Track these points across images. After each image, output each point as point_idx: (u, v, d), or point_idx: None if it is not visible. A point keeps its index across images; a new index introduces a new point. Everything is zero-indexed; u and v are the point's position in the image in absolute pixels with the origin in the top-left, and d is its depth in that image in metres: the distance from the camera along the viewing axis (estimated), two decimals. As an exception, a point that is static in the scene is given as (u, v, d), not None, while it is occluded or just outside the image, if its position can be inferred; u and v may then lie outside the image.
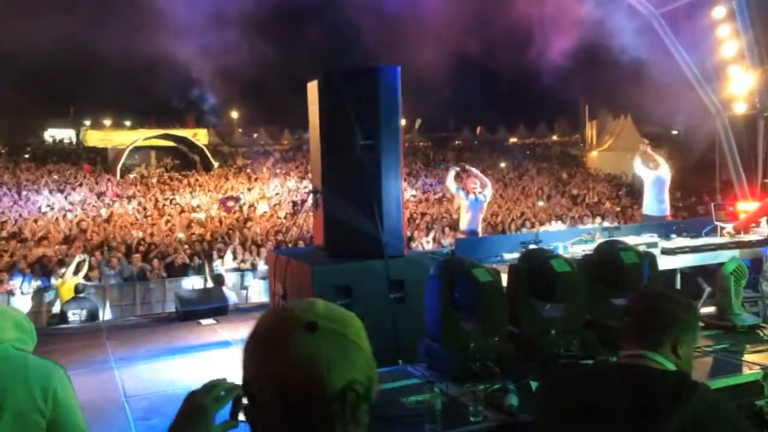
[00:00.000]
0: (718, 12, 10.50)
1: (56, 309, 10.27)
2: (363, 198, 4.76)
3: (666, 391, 1.75)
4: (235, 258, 12.91)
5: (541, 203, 20.54)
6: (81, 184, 25.42)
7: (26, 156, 36.44)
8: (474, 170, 10.83)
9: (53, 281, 10.88)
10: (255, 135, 49.70)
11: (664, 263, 6.72)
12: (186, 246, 13.55)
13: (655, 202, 9.98)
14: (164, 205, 20.92)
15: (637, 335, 1.98)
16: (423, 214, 17.50)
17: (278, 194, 23.44)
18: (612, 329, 3.49)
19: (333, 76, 4.86)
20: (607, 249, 3.67)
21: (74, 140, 47.01)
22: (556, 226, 15.43)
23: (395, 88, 4.89)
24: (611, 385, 1.86)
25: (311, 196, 5.31)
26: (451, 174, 10.47)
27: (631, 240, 6.88)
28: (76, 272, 10.70)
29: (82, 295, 10.62)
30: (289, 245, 12.75)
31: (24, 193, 23.33)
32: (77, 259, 11.04)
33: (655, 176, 10.05)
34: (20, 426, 2.02)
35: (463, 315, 3.37)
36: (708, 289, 7.00)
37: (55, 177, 27.17)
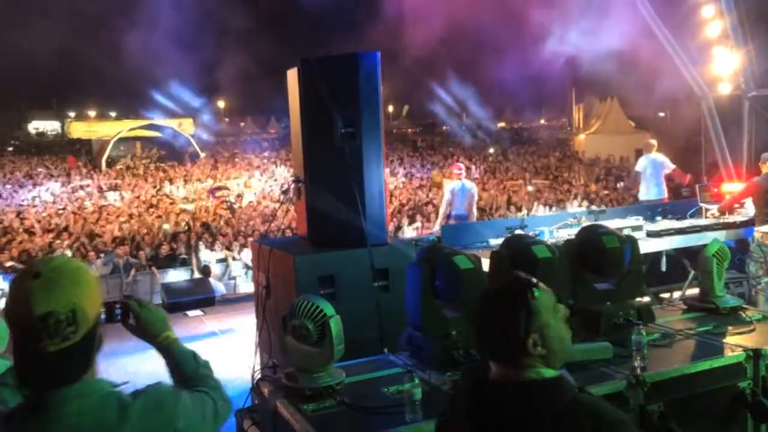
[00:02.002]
0: (702, -8, 10.48)
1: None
2: (345, 186, 4.70)
3: (530, 409, 1.69)
4: (222, 248, 12.84)
5: (528, 188, 20.55)
6: (66, 176, 25.16)
7: (10, 149, 36.06)
8: None
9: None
10: (242, 124, 49.49)
11: (650, 246, 6.74)
12: (171, 237, 13.45)
13: (653, 186, 9.81)
14: (151, 195, 20.76)
15: (491, 355, 1.79)
16: (409, 200, 17.47)
17: (265, 183, 23.33)
18: (596, 314, 3.48)
19: (312, 63, 4.79)
20: (588, 234, 3.64)
21: (59, 132, 46.55)
22: (542, 211, 15.44)
23: (375, 74, 4.81)
24: (489, 401, 1.77)
25: (293, 185, 5.25)
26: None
27: (616, 223, 6.89)
28: None
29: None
30: (276, 235, 12.68)
31: (8, 185, 23.08)
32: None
33: (650, 160, 9.86)
34: None
35: (445, 303, 3.35)
36: (693, 271, 7.04)
37: (40, 169, 26.91)
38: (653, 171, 9.85)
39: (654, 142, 10.21)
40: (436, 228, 10.57)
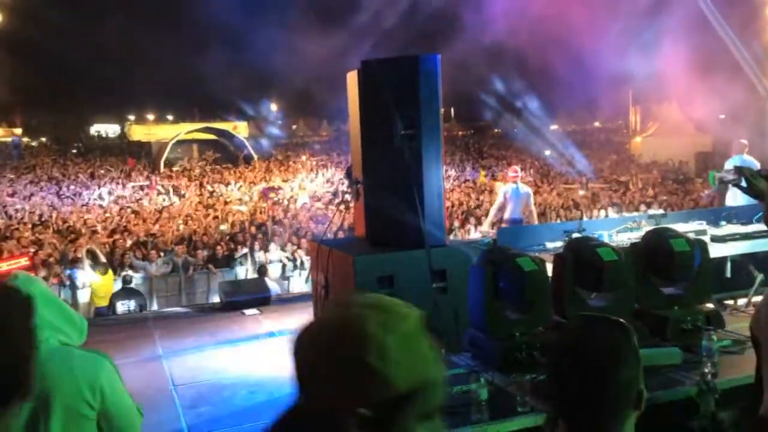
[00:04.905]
0: (769, -10, 10.15)
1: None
2: (404, 188, 4.73)
3: None
4: (276, 248, 13.03)
5: (582, 192, 20.20)
6: (126, 177, 25.98)
7: (74, 151, 37.42)
8: None
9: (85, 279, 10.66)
10: (294, 126, 50.15)
11: (714, 251, 6.50)
12: (228, 237, 13.73)
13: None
14: (207, 197, 21.23)
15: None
16: (460, 204, 17.40)
17: (318, 185, 23.58)
18: (663, 319, 3.41)
19: (373, 65, 4.84)
20: (656, 237, 3.58)
21: (119, 134, 48.11)
22: (599, 214, 15.16)
23: (436, 77, 4.84)
24: None
25: (352, 186, 5.31)
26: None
27: (679, 227, 6.68)
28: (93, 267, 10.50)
29: (130, 286, 10.86)
30: (330, 236, 12.80)
31: (72, 186, 23.96)
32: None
33: (741, 161, 8.71)
34: (70, 419, 2.04)
35: (508, 304, 3.34)
36: (760, 277, 6.80)
37: (101, 171, 27.83)
38: None
39: (745, 141, 9.00)
40: (485, 228, 10.49)
